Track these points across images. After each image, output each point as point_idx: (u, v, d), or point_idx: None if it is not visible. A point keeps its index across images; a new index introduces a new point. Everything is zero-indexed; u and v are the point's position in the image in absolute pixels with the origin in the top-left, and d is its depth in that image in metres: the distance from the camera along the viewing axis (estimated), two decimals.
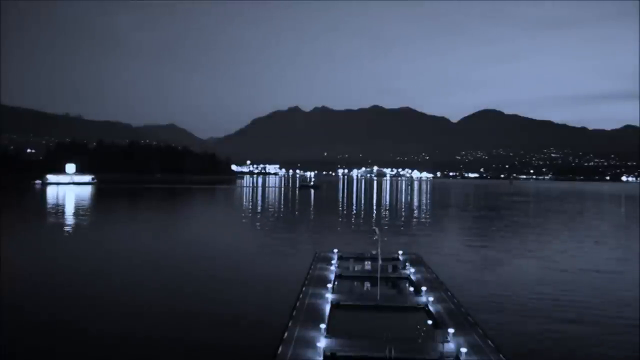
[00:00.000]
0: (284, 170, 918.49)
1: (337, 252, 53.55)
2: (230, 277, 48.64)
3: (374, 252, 49.18)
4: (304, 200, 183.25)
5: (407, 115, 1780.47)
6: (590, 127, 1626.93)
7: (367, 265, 49.81)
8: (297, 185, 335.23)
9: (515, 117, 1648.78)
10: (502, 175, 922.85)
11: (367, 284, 44.18)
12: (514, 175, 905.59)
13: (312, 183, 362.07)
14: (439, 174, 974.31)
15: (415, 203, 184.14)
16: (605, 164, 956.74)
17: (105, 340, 30.60)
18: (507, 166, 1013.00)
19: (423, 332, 31.28)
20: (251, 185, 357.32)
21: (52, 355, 28.45)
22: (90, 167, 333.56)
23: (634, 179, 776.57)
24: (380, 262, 40.81)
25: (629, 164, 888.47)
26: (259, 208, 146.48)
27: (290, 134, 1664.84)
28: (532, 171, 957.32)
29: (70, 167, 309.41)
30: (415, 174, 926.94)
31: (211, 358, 28.31)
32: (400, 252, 54.71)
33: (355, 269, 49.04)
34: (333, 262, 48.78)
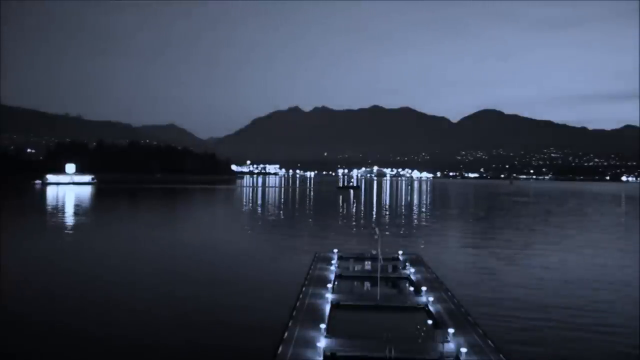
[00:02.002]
0: (283, 170, 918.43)
1: (337, 252, 53.48)
2: (232, 278, 48.77)
3: (374, 252, 49.17)
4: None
5: (407, 115, 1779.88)
6: (590, 127, 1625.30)
7: (367, 265, 49.72)
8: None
9: (515, 117, 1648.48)
10: (502, 175, 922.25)
11: (367, 284, 44.16)
12: (514, 175, 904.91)
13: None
14: (439, 174, 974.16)
15: (415, 203, 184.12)
16: (605, 164, 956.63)
17: (105, 342, 30.59)
18: (507, 166, 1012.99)
19: (423, 332, 31.27)
20: (252, 185, 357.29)
21: (48, 358, 28.44)
22: (90, 167, 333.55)
23: (634, 179, 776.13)
24: (380, 262, 40.82)
25: (629, 164, 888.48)
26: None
27: (290, 134, 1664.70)
28: (532, 171, 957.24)
29: (70, 167, 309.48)
30: (415, 174, 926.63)
31: (211, 358, 28.30)
32: (400, 252, 54.66)
33: (355, 269, 48.99)
34: (333, 262, 48.75)
